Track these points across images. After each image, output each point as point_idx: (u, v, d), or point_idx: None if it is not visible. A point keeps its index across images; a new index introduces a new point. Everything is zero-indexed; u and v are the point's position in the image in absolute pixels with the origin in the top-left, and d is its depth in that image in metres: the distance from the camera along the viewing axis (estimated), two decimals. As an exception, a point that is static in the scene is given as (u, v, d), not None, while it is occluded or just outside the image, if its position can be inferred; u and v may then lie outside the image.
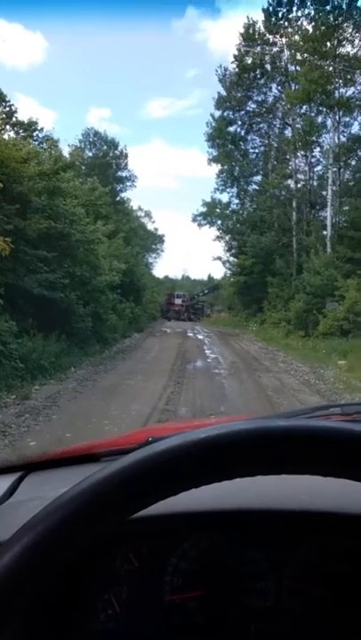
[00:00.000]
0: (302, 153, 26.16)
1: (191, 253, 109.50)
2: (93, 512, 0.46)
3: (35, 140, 16.47)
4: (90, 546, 0.47)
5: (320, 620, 0.78)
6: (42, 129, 18.05)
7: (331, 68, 22.63)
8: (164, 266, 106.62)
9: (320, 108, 23.98)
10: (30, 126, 17.38)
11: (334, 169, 23.19)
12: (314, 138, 24.79)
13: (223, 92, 30.58)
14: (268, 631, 0.78)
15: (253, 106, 30.46)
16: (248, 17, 27.55)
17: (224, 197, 34.99)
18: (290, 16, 25.59)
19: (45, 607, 0.67)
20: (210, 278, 57.95)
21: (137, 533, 0.80)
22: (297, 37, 24.20)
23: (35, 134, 17.42)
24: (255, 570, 0.80)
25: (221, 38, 62.88)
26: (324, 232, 22.97)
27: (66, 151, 16.47)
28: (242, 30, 27.99)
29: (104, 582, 0.80)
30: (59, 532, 0.45)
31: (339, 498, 0.82)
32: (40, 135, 17.70)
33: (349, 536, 0.81)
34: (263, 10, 26.52)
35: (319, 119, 24.53)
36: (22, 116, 17.46)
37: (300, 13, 24.87)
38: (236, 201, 33.78)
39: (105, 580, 0.80)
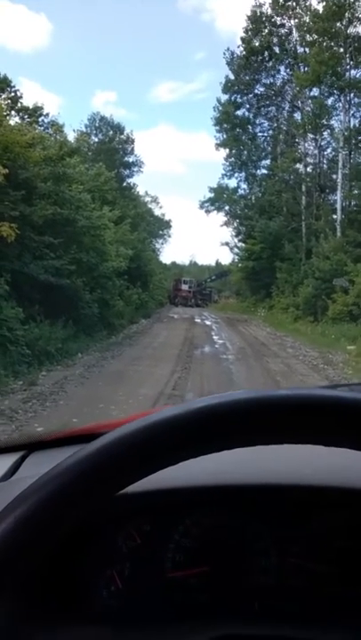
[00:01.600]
0: (312, 136, 25.82)
1: (199, 239, 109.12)
2: (89, 481, 0.45)
3: (40, 126, 16.35)
4: (87, 516, 0.46)
5: (324, 598, 0.77)
6: (47, 114, 17.93)
7: (341, 49, 22.22)
8: (172, 251, 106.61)
9: (330, 90, 23.58)
10: (35, 111, 17.25)
11: (345, 152, 22.87)
12: (324, 121, 24.43)
13: (231, 76, 30.21)
14: (272, 608, 0.78)
15: (262, 89, 30.08)
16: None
17: (232, 182, 34.73)
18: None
19: (48, 584, 0.67)
20: (218, 264, 57.88)
21: (139, 509, 0.80)
22: (306, 19, 23.79)
23: (40, 119, 17.29)
24: (258, 547, 0.79)
25: (229, 19, 61.96)
26: (334, 216, 22.75)
27: (71, 136, 16.38)
28: (249, 12, 27.53)
29: (106, 559, 0.79)
30: (52, 503, 0.45)
31: (343, 472, 0.81)
32: (45, 120, 17.57)
33: (354, 512, 0.79)
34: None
35: (329, 101, 24.17)
36: (27, 101, 17.33)
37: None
38: (245, 186, 33.53)
39: (107, 556, 0.79)
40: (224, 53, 30.37)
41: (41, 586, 0.63)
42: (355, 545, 0.78)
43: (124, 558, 0.80)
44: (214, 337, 16.69)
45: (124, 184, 33.28)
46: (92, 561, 0.79)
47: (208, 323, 23.14)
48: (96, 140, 34.08)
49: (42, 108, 17.63)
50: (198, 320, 24.35)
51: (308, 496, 0.81)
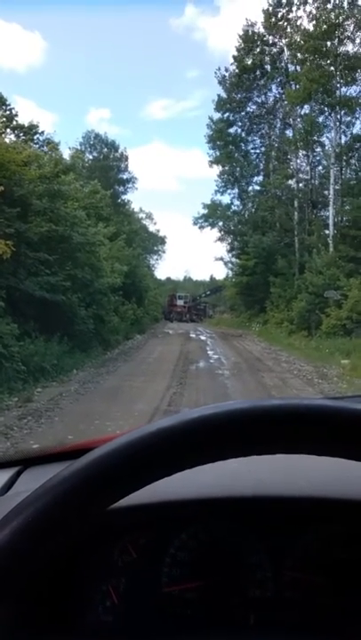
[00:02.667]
0: (304, 153, 26.16)
1: (193, 254, 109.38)
2: (84, 493, 0.45)
3: (35, 144, 16.50)
4: (82, 529, 0.46)
5: (321, 610, 0.76)
6: (42, 132, 18.08)
7: (332, 67, 22.60)
8: (166, 267, 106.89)
9: (321, 108, 23.94)
10: (31, 129, 17.42)
11: (336, 168, 23.15)
12: (315, 137, 24.77)
13: (223, 94, 30.61)
14: (269, 621, 0.77)
15: (254, 107, 30.50)
16: (247, 19, 27.59)
17: (225, 199, 34.99)
18: (290, 16, 25.64)
19: (43, 598, 0.67)
20: (212, 279, 58.00)
21: (135, 523, 0.80)
22: (297, 37, 24.21)
23: (35, 137, 17.43)
24: (255, 560, 0.79)
25: (221, 37, 62.93)
26: (327, 231, 22.94)
27: (66, 154, 16.50)
28: (241, 31, 28.02)
29: (102, 573, 0.79)
30: (47, 514, 0.45)
31: (338, 484, 0.80)
32: (40, 138, 17.72)
33: (350, 523, 0.79)
34: (263, 11, 26.55)
35: (320, 119, 24.52)
36: (22, 118, 17.50)
37: (300, 13, 24.92)
38: (238, 202, 33.78)
39: (103, 571, 0.79)
40: (216, 72, 30.85)
41: (36, 600, 0.62)
42: (350, 556, 0.77)
43: (120, 573, 0.79)
44: (209, 352, 16.70)
45: (119, 200, 33.51)
46: (87, 575, 0.78)
47: (203, 338, 23.15)
48: (91, 157, 34.40)
49: (37, 126, 17.81)
50: (193, 335, 24.36)
51: (303, 508, 0.81)
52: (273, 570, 0.78)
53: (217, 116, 31.34)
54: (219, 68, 30.82)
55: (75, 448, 1.13)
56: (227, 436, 0.46)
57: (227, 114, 31.12)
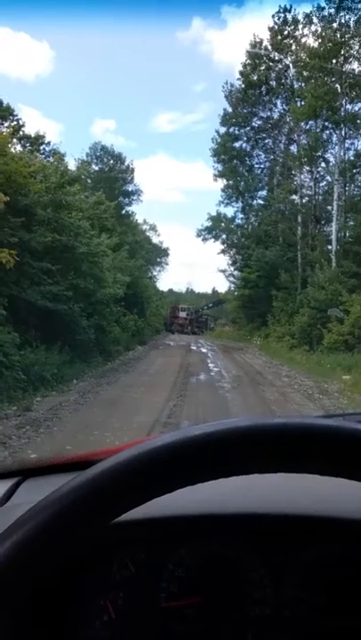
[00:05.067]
0: (308, 168, 26.29)
1: (196, 267, 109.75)
2: (86, 508, 0.45)
3: (41, 154, 16.63)
4: (83, 543, 0.46)
5: (320, 629, 0.76)
6: (49, 142, 18.25)
7: (337, 85, 22.82)
8: (169, 279, 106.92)
9: (325, 124, 24.13)
10: (37, 140, 17.60)
11: (340, 184, 23.26)
12: (319, 153, 24.92)
13: (229, 109, 30.90)
14: (266, 639, 0.76)
15: (259, 122, 30.73)
16: (254, 34, 27.90)
17: (229, 211, 35.23)
18: (295, 34, 25.96)
19: (41, 612, 0.66)
20: (214, 292, 58.18)
21: (134, 539, 0.79)
22: (303, 55, 24.48)
23: (41, 148, 17.59)
24: (254, 577, 0.78)
25: (228, 51, 63.47)
26: (329, 247, 22.98)
27: (72, 164, 16.62)
28: (248, 47, 28.32)
29: (100, 588, 0.78)
30: (49, 529, 0.44)
31: (340, 502, 0.80)
32: (47, 149, 17.88)
33: (351, 542, 0.78)
34: (269, 28, 26.88)
35: (324, 135, 24.70)
36: (28, 129, 17.68)
37: (305, 31, 25.20)
38: (241, 215, 33.94)
39: (101, 585, 0.78)
40: (223, 86, 31.15)
41: (34, 614, 0.62)
42: (350, 575, 0.77)
43: (118, 588, 0.78)
44: (210, 365, 16.66)
45: (123, 212, 33.68)
46: (85, 590, 0.78)
47: (204, 350, 23.12)
48: (96, 168, 34.63)
49: (43, 137, 18.02)
50: (194, 347, 24.34)
51: (304, 526, 0.80)
52: (272, 588, 0.78)
53: (223, 129, 31.63)
54: (227, 82, 31.06)
55: (74, 460, 1.12)
56: (232, 454, 0.46)
57: (232, 128, 31.39)
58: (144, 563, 0.79)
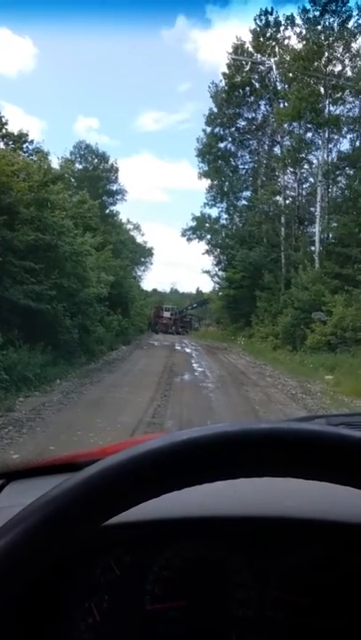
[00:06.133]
0: (291, 170, 26.48)
1: (180, 267, 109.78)
2: (73, 513, 0.45)
3: (24, 152, 16.46)
4: (70, 549, 0.46)
5: (304, 631, 0.76)
6: (32, 141, 18.06)
7: (321, 87, 23.02)
8: (153, 279, 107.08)
9: (308, 126, 24.32)
10: (20, 138, 17.39)
11: (323, 186, 23.46)
12: (303, 155, 25.10)
13: (215, 108, 30.96)
14: None
15: (243, 123, 30.86)
16: (237, 36, 27.99)
17: (213, 212, 35.28)
18: (278, 36, 26.12)
19: (24, 615, 0.65)
20: (198, 292, 58.23)
21: (119, 541, 0.79)
22: (286, 57, 24.65)
23: (24, 146, 17.41)
24: (238, 579, 0.78)
25: (213, 50, 63.47)
26: (313, 248, 23.17)
27: (55, 162, 16.50)
28: (231, 46, 28.41)
29: (85, 591, 0.77)
30: (36, 534, 0.44)
31: (325, 504, 0.80)
32: (30, 147, 17.70)
33: (335, 544, 0.79)
34: (250, 31, 26.99)
35: (308, 137, 24.89)
36: (11, 126, 17.45)
37: (288, 32, 25.39)
38: (226, 216, 34.05)
39: (86, 588, 0.77)
40: (209, 87, 31.21)
41: (18, 617, 0.62)
42: (333, 577, 0.77)
43: (103, 590, 0.78)
44: (194, 365, 16.68)
45: (107, 211, 33.55)
46: (69, 593, 0.77)
47: (188, 350, 23.14)
48: (80, 167, 34.44)
49: (27, 135, 17.78)
50: (178, 347, 24.34)
51: (288, 528, 0.81)
52: (257, 589, 0.78)
53: (208, 129, 31.69)
54: (212, 82, 31.13)
55: (58, 462, 1.11)
56: (218, 459, 0.46)
57: (217, 128, 31.46)
58: (129, 565, 0.79)
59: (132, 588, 0.78)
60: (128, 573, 0.79)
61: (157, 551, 0.79)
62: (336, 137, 24.50)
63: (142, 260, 52.16)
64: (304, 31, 23.37)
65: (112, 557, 0.79)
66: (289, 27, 25.21)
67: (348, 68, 23.32)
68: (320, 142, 24.26)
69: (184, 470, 0.47)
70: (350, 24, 22.45)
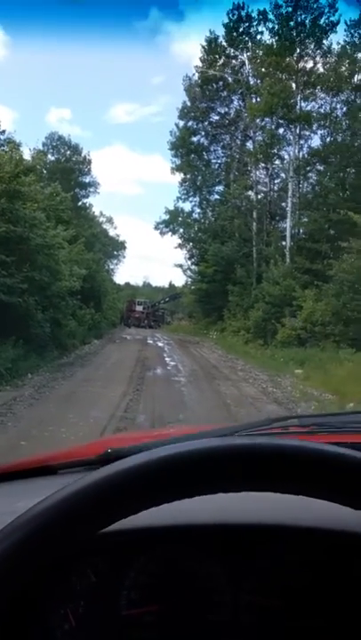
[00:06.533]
0: (263, 165, 26.63)
1: (153, 260, 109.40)
2: (60, 529, 0.46)
3: (-5, 143, 16.15)
4: (52, 564, 0.48)
5: (278, 634, 0.78)
6: (3, 131, 17.73)
7: (293, 83, 23.19)
8: (125, 272, 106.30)
9: (280, 122, 24.50)
10: (-9, 128, 17.03)
11: (294, 181, 23.70)
12: (275, 150, 25.29)
13: (188, 102, 30.87)
14: None
15: (217, 117, 30.87)
16: (210, 30, 27.89)
17: (187, 206, 35.23)
18: (251, 30, 26.18)
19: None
20: (171, 286, 58.07)
21: (94, 548, 0.79)
22: (259, 51, 24.74)
23: (-5, 136, 17.06)
24: (213, 584, 0.79)
25: (186, 43, 62.89)
26: (284, 243, 23.40)
27: (26, 153, 16.25)
28: (204, 42, 28.31)
29: (61, 597, 0.77)
30: (19, 552, 0.45)
31: (296, 510, 0.81)
32: (1, 138, 17.37)
33: (307, 549, 0.81)
34: (223, 25, 26.97)
35: (280, 132, 25.07)
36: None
37: (261, 28, 25.46)
38: (198, 210, 34.04)
39: (61, 594, 0.77)
40: (183, 80, 31.08)
41: None
42: (306, 580, 0.79)
43: (79, 596, 0.78)
44: (166, 359, 16.73)
45: (80, 204, 33.20)
46: (45, 599, 0.76)
47: (160, 344, 23.17)
48: (52, 158, 33.95)
49: (-2, 126, 17.42)
50: (151, 341, 24.35)
51: (260, 533, 0.82)
52: (230, 594, 0.79)
53: (181, 123, 31.60)
54: (186, 76, 30.99)
55: (31, 465, 1.12)
56: (193, 476, 0.48)
57: (190, 122, 31.40)
58: (105, 571, 0.79)
59: (107, 594, 0.79)
60: (103, 579, 0.79)
61: (133, 557, 0.80)
62: (307, 133, 24.76)
63: (115, 253, 51.77)
64: (277, 27, 23.51)
65: (88, 563, 0.79)
66: (262, 22, 25.30)
67: (319, 65, 23.57)
68: (291, 138, 24.48)
69: (168, 486, 0.48)
70: (322, 21, 22.71)
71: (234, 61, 28.05)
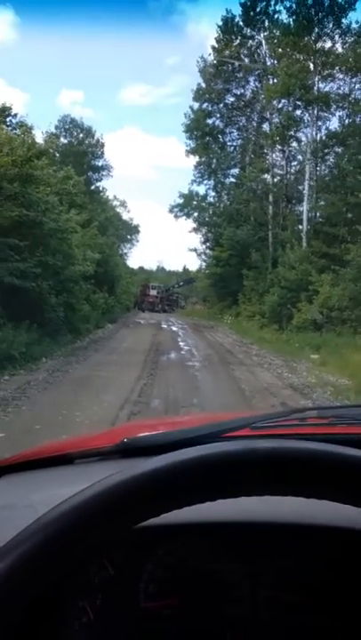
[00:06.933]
0: (280, 147, 26.20)
1: (167, 244, 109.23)
2: (72, 536, 0.46)
3: (7, 126, 16.06)
4: (69, 569, 0.48)
5: (297, 629, 0.77)
6: (15, 114, 17.61)
7: (311, 64, 22.69)
8: (139, 256, 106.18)
9: (297, 103, 24.03)
10: (3, 111, 16.93)
11: (311, 164, 23.30)
12: (292, 132, 24.85)
13: (203, 83, 30.42)
14: (244, 639, 0.78)
15: (232, 99, 30.38)
16: (226, 9, 27.34)
17: (201, 189, 35.02)
18: (268, 10, 25.58)
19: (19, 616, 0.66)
20: (185, 270, 57.95)
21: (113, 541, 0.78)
22: (276, 31, 24.19)
23: (7, 120, 16.97)
24: (231, 578, 0.79)
25: (201, 23, 61.71)
26: (300, 227, 23.10)
27: (38, 136, 16.17)
28: (220, 22, 27.77)
29: (79, 590, 0.77)
30: (36, 558, 0.45)
31: (318, 508, 0.78)
32: (13, 121, 17.26)
33: (328, 547, 0.80)
34: (240, 3, 26.39)
35: (297, 114, 24.59)
36: (-5, 100, 16.97)
37: (278, 7, 24.87)
38: (213, 193, 33.75)
39: (80, 587, 0.77)
40: (197, 61, 30.60)
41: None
42: (324, 576, 0.79)
43: (97, 589, 0.78)
44: (180, 343, 16.69)
45: (93, 187, 33.06)
46: (63, 592, 0.74)
47: (175, 329, 23.14)
48: (65, 141, 33.77)
49: (10, 108, 17.31)
50: (165, 326, 24.33)
51: (281, 530, 0.81)
52: (250, 589, 0.78)
53: (196, 105, 31.18)
54: (201, 57, 30.48)
55: (48, 454, 1.11)
56: (220, 479, 0.48)
57: (205, 104, 30.96)
58: (123, 564, 0.79)
59: (125, 587, 0.79)
60: (122, 572, 0.79)
61: (151, 550, 0.80)
62: (325, 114, 24.26)
63: (128, 237, 51.75)
64: (294, 6, 22.93)
65: (105, 556, 0.78)
66: (279, 1, 24.69)
67: (338, 45, 22.98)
68: (309, 120, 24.02)
69: (187, 491, 0.48)
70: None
71: (250, 42, 27.53)
